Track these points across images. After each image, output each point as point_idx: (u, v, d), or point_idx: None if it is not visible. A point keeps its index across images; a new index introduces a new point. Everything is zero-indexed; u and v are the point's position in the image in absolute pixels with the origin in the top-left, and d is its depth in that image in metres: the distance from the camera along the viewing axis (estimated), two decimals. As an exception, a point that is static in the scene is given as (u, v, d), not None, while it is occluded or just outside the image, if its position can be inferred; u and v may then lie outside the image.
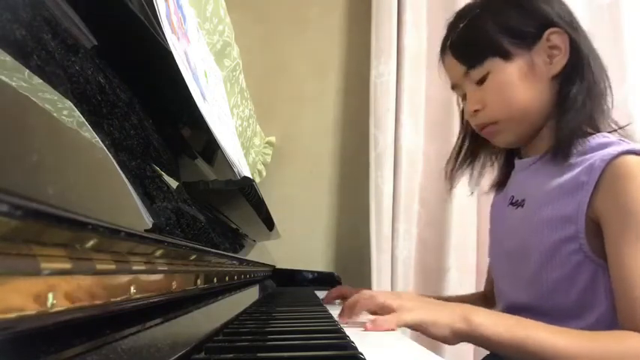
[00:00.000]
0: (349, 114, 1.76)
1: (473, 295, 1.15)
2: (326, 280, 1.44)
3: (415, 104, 1.64)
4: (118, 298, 0.26)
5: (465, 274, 1.57)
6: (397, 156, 1.62)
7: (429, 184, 1.64)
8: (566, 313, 0.73)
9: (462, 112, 0.93)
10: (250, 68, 1.48)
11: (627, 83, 1.56)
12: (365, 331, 0.63)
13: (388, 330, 0.63)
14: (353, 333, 0.55)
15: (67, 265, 0.21)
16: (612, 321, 0.68)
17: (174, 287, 0.37)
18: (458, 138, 0.94)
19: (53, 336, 0.21)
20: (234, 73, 1.26)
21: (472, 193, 0.97)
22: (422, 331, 0.64)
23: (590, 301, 0.71)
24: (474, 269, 1.59)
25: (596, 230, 0.70)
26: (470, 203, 1.59)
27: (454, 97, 1.71)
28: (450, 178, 0.94)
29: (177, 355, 0.34)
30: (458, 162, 0.93)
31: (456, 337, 0.64)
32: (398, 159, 1.62)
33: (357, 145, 1.71)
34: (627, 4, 1.60)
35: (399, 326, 0.64)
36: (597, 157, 0.70)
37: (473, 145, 0.92)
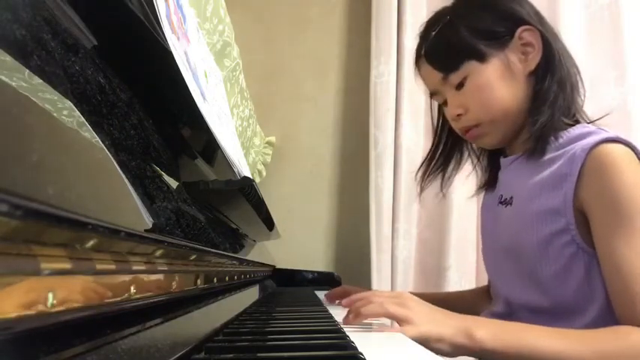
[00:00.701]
0: (349, 114, 1.76)
1: (476, 290, 1.15)
2: (326, 280, 1.44)
3: (415, 104, 1.64)
4: (118, 298, 0.26)
5: (464, 273, 1.57)
6: (397, 156, 1.62)
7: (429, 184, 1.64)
8: (568, 310, 0.73)
9: (438, 118, 0.93)
10: (250, 68, 1.48)
11: (627, 83, 1.56)
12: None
13: None
14: (353, 333, 0.55)
15: (67, 265, 0.21)
16: (614, 314, 0.68)
17: (174, 287, 0.37)
18: (432, 143, 0.95)
19: (53, 336, 0.21)
20: (234, 73, 1.26)
21: (444, 195, 0.98)
22: (425, 344, 0.64)
23: (588, 294, 0.71)
24: (474, 269, 1.59)
25: (585, 221, 0.70)
26: (469, 203, 1.59)
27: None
28: (421, 182, 0.95)
29: (177, 355, 0.34)
30: (430, 167, 0.94)
31: (458, 351, 0.64)
32: (398, 159, 1.62)
33: (357, 145, 1.72)
34: (627, 3, 1.60)
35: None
36: (577, 147, 0.71)
37: (447, 150, 0.93)
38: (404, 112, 1.62)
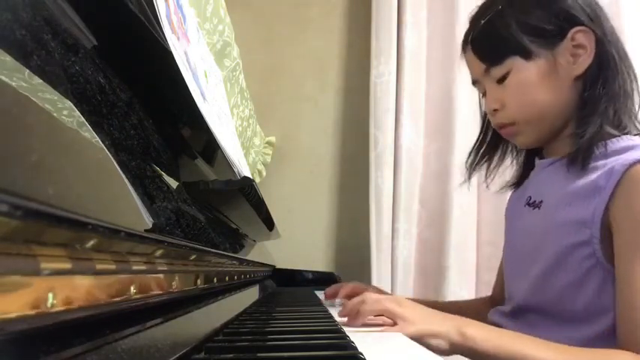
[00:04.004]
0: (349, 114, 1.76)
1: (477, 300, 1.14)
2: (326, 280, 1.44)
3: (415, 104, 1.64)
4: (118, 298, 0.26)
5: (464, 274, 1.57)
6: (397, 156, 1.62)
7: (429, 184, 1.64)
8: (576, 318, 0.72)
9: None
10: (250, 68, 1.48)
11: (627, 83, 1.56)
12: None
13: None
14: (353, 333, 0.55)
15: (67, 265, 0.21)
16: None
17: (174, 287, 0.37)
18: (480, 132, 0.92)
19: (53, 336, 0.21)
20: (234, 73, 1.26)
21: (487, 186, 0.94)
22: (421, 343, 0.65)
23: (599, 307, 0.69)
24: (474, 269, 1.59)
25: (609, 237, 0.68)
26: (470, 203, 1.59)
27: (454, 96, 1.71)
28: (469, 170, 0.92)
29: (177, 355, 0.34)
30: (479, 155, 0.91)
31: (453, 349, 0.65)
32: (398, 159, 1.62)
33: (357, 145, 1.71)
34: (627, 3, 1.60)
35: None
36: (618, 161, 0.68)
37: (494, 139, 0.89)
38: (404, 112, 1.62)
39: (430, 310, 0.69)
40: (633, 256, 0.64)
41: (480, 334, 0.64)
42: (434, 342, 0.64)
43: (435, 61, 1.65)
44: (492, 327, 0.69)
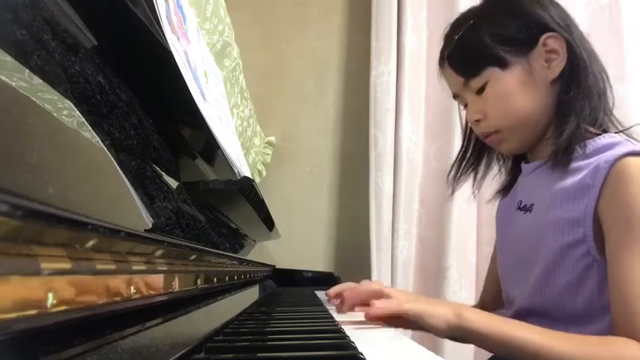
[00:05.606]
0: (349, 114, 1.76)
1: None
2: (326, 280, 1.44)
3: (415, 104, 1.64)
4: (118, 298, 0.26)
5: (464, 274, 1.57)
6: (397, 156, 1.62)
7: (429, 184, 1.64)
8: (577, 318, 0.72)
9: (467, 120, 0.92)
10: (250, 68, 1.48)
11: (627, 83, 1.56)
12: (367, 319, 0.68)
13: (390, 313, 0.67)
14: (353, 333, 0.55)
15: (67, 265, 0.21)
16: None
17: (174, 287, 0.37)
18: (462, 145, 0.93)
19: (53, 336, 0.21)
20: (234, 73, 1.26)
21: (474, 196, 0.97)
22: (419, 322, 0.68)
23: (599, 305, 0.70)
24: (474, 269, 1.59)
25: (602, 234, 0.69)
26: (470, 203, 1.59)
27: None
28: (452, 183, 0.94)
29: (177, 355, 0.34)
30: (461, 168, 0.92)
31: (449, 329, 0.67)
32: (398, 159, 1.62)
33: (357, 145, 1.72)
34: (627, 4, 1.60)
35: (400, 312, 0.67)
36: (602, 159, 0.69)
37: (477, 151, 0.91)
38: (404, 112, 1.62)
39: (428, 297, 0.75)
40: (623, 250, 0.66)
41: (476, 316, 0.68)
42: (432, 321, 0.67)
43: (435, 61, 1.64)
44: (487, 312, 0.72)
